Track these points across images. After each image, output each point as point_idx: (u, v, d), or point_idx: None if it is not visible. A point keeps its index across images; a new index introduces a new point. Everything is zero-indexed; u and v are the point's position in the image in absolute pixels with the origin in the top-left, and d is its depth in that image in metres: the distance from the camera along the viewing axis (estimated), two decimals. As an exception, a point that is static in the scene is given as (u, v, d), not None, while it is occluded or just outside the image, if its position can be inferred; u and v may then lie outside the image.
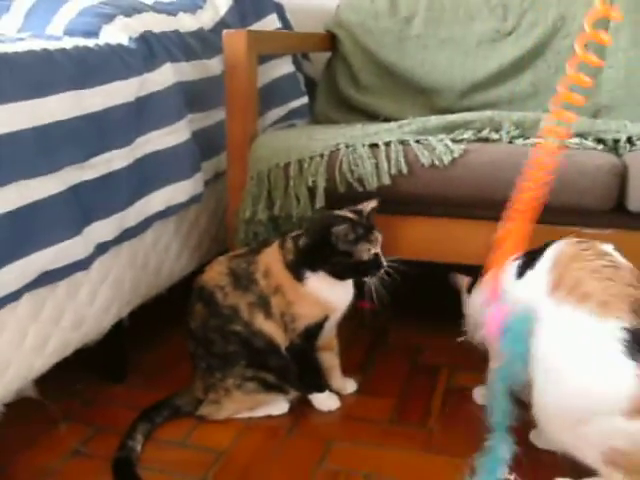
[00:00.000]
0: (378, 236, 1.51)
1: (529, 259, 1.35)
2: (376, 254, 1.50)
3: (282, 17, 2.35)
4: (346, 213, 1.52)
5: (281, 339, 1.53)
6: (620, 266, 1.26)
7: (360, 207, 1.55)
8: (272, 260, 1.52)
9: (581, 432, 1.20)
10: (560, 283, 1.25)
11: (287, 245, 1.52)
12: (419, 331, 1.96)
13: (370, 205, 1.55)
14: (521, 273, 1.35)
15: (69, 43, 1.46)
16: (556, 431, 1.25)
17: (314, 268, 1.49)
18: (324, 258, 1.48)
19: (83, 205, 1.42)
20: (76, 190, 1.40)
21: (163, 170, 1.67)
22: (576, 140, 1.71)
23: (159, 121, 1.65)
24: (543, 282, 1.29)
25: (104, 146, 1.47)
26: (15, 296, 1.27)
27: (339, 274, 1.50)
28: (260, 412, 1.57)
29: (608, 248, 1.31)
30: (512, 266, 1.37)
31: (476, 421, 1.55)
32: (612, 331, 1.16)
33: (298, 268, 1.50)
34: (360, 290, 1.56)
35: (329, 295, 1.52)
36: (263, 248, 1.56)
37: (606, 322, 1.17)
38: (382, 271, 1.50)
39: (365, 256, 1.48)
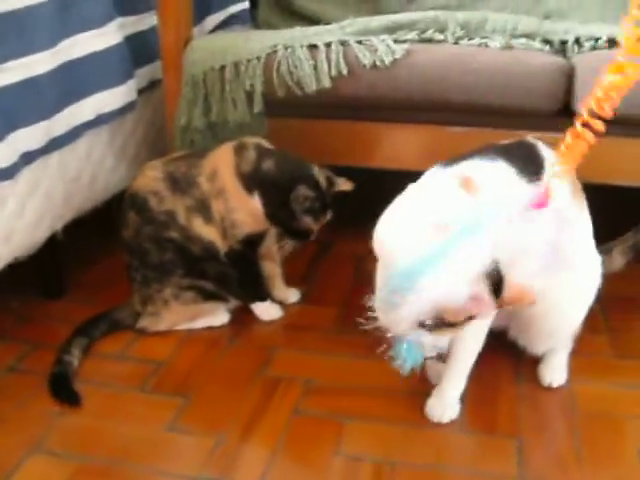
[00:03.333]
0: (326, 218, 1.48)
1: None
2: (312, 231, 1.47)
3: None
4: (322, 178, 1.46)
5: (220, 244, 1.48)
6: None
7: (337, 180, 1.50)
8: (222, 163, 1.46)
9: None
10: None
11: (246, 154, 1.45)
12: (363, 241, 1.93)
13: (344, 186, 1.51)
14: None
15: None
16: None
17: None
18: (272, 198, 1.44)
19: (4, 111, 1.33)
20: (-5, 95, 1.31)
21: (92, 76, 1.58)
22: (522, 40, 1.67)
23: (85, 23, 1.55)
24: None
25: (24, 48, 1.38)
26: None
27: (271, 218, 1.46)
28: (200, 323, 1.54)
29: None
30: None
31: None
32: None
33: (251, 183, 1.44)
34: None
35: None
36: (207, 152, 1.49)
37: None
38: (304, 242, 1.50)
39: (302, 227, 1.46)
